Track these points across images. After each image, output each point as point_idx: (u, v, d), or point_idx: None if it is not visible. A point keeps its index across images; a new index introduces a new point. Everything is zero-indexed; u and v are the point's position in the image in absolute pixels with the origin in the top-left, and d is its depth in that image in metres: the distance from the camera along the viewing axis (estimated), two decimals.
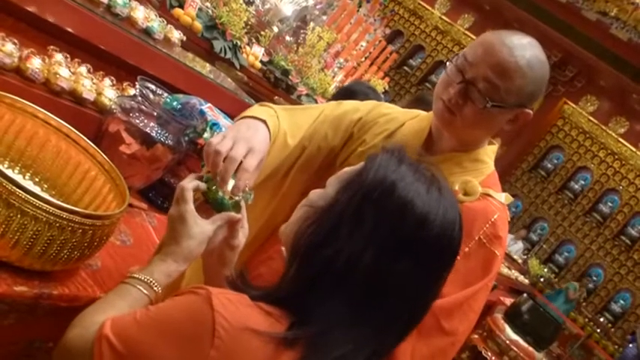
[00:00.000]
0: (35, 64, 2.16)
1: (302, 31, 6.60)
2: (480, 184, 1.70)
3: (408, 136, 1.85)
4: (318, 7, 7.66)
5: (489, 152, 1.81)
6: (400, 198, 1.18)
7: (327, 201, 1.25)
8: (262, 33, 5.42)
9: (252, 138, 1.57)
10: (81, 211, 1.46)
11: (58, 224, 1.41)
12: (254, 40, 5.28)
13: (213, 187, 1.48)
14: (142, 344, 1.15)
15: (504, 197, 1.73)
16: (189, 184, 1.45)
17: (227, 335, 1.09)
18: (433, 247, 1.21)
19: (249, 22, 5.05)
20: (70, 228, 1.44)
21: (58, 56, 2.28)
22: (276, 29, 5.78)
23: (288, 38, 6.00)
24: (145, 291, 1.35)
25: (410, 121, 1.92)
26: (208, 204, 1.49)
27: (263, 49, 5.26)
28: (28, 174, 1.78)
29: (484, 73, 1.63)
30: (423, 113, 1.94)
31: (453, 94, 1.67)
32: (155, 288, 1.36)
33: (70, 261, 1.52)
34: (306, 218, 1.26)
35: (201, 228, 1.42)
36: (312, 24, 6.66)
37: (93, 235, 1.51)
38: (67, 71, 2.22)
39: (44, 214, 1.39)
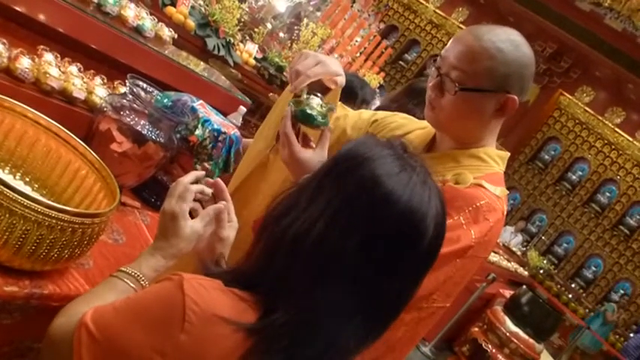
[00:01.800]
0: (25, 63, 2.14)
1: (296, 27, 6.60)
2: (476, 178, 1.68)
3: (414, 141, 1.85)
4: (312, 3, 7.66)
5: (491, 153, 1.77)
6: (365, 173, 1.15)
7: (305, 179, 1.25)
8: (256, 30, 5.42)
9: (327, 59, 1.74)
10: (70, 210, 1.45)
11: (47, 223, 1.40)
12: (248, 37, 5.27)
13: (300, 105, 1.61)
14: (116, 329, 1.15)
15: (499, 191, 1.69)
16: (192, 184, 1.46)
17: (197, 319, 1.09)
18: (390, 229, 1.14)
19: (243, 20, 5.05)
20: (59, 227, 1.42)
21: (48, 56, 2.26)
22: (269, 26, 5.77)
23: (281, 35, 5.99)
24: (131, 284, 1.36)
25: (419, 130, 1.95)
26: (299, 121, 1.62)
27: (257, 46, 5.25)
28: (19, 174, 1.77)
29: (453, 63, 1.66)
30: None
31: (430, 90, 1.72)
32: (142, 282, 1.37)
33: (61, 260, 1.51)
34: (282, 196, 1.26)
35: (191, 227, 1.43)
36: (305, 20, 6.64)
37: (83, 234, 1.49)
38: (56, 70, 2.21)
39: (33, 213, 1.38)
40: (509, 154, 1.83)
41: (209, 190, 1.50)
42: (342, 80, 1.80)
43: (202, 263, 1.51)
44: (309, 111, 1.60)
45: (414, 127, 1.97)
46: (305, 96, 1.63)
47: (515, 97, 1.67)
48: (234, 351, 1.08)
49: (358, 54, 8.36)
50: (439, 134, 1.84)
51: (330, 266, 1.14)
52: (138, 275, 1.36)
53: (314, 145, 1.66)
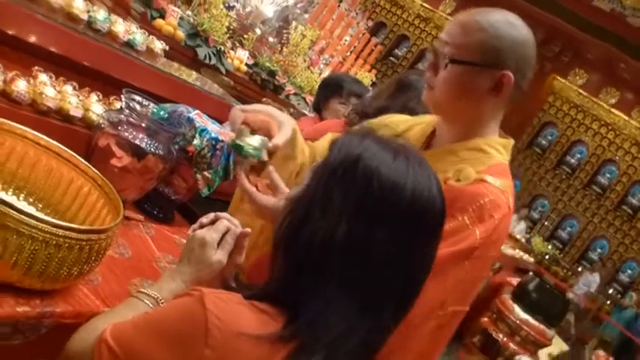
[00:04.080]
0: (20, 86, 2.17)
1: (285, 31, 6.61)
2: (479, 172, 1.65)
3: (412, 137, 1.85)
4: (299, 5, 7.69)
5: (493, 143, 1.72)
6: (365, 168, 1.18)
7: (300, 190, 1.27)
8: (245, 36, 5.43)
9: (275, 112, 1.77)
10: (76, 227, 1.47)
11: (54, 242, 1.42)
12: (237, 44, 5.29)
13: (237, 141, 1.65)
14: (138, 345, 1.16)
15: (502, 184, 1.64)
16: (226, 220, 1.50)
17: (220, 334, 1.10)
18: (406, 213, 1.19)
19: (231, 27, 5.06)
20: (66, 245, 1.44)
21: (43, 76, 2.28)
22: (259, 31, 5.79)
23: (271, 39, 6.01)
24: (151, 306, 1.38)
25: (419, 125, 1.92)
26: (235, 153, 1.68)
27: (247, 52, 5.27)
28: (22, 195, 1.78)
29: (445, 39, 1.66)
30: (430, 117, 1.92)
31: (427, 70, 1.71)
32: (161, 305, 1.38)
33: (70, 278, 1.52)
34: (284, 212, 1.27)
35: (218, 258, 1.46)
36: (294, 23, 6.66)
37: (90, 250, 1.51)
38: (52, 90, 2.23)
39: (40, 232, 1.39)
40: (512, 141, 1.79)
41: (238, 228, 1.53)
42: (283, 131, 1.73)
43: (219, 281, 1.53)
44: (238, 142, 1.64)
45: (414, 123, 1.94)
46: (238, 129, 1.68)
47: (510, 74, 1.62)
48: None
49: (348, 53, 8.37)
50: (438, 128, 1.81)
51: (365, 261, 1.17)
52: (158, 298, 1.39)
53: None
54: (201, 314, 1.12)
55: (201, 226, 1.51)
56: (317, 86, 6.14)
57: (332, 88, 3.79)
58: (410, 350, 1.50)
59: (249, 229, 1.54)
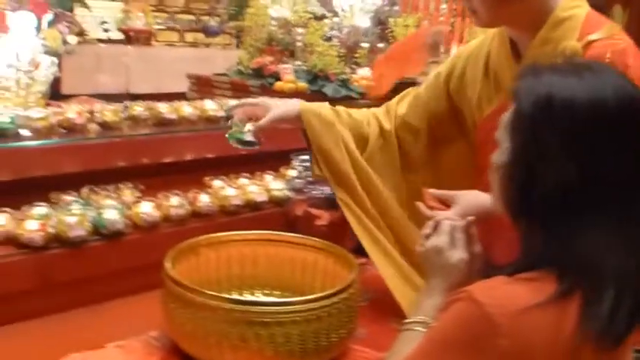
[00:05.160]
0: (203, 199, 2.30)
1: (386, 31, 6.58)
2: (579, 39, 1.62)
3: (495, 60, 1.83)
4: (384, 2, 7.63)
5: (566, 5, 1.68)
6: (561, 101, 1.13)
7: (507, 153, 1.23)
8: (357, 55, 5.45)
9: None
10: (327, 294, 1.54)
11: (314, 316, 1.48)
12: (354, 66, 5.31)
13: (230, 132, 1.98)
14: None
15: (603, 31, 1.61)
16: (446, 220, 1.50)
17: (506, 319, 1.07)
18: (620, 119, 1.13)
19: (341, 54, 5.10)
20: (325, 314, 1.49)
21: (217, 182, 2.43)
22: (365, 45, 5.78)
23: (380, 45, 5.98)
24: (423, 330, 1.38)
25: (488, 47, 1.89)
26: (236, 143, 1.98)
27: (367, 68, 5.27)
28: (266, 290, 1.91)
29: None
30: (488, 32, 1.91)
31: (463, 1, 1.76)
32: (431, 324, 1.38)
33: (342, 340, 1.57)
34: (502, 182, 1.24)
35: (458, 257, 1.45)
36: (390, 20, 6.60)
37: (348, 308, 1.55)
38: (232, 190, 2.34)
39: (297, 314, 1.46)
40: None
41: (459, 221, 1.52)
42: (270, 114, 1.94)
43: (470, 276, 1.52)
44: (230, 132, 1.99)
45: (482, 47, 1.91)
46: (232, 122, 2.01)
47: None
48: (556, 330, 1.06)
49: (452, 19, 8.19)
50: (513, 38, 1.77)
51: (605, 187, 1.12)
52: (425, 320, 1.39)
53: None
54: (478, 310, 1.10)
55: (427, 238, 1.51)
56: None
57: None
58: None
59: (471, 217, 1.53)
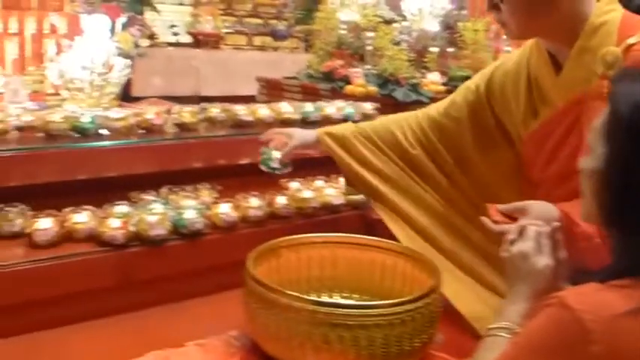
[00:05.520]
0: (280, 201, 2.32)
1: (455, 35, 6.53)
2: (619, 44, 1.57)
3: (537, 74, 1.79)
4: (453, 6, 7.57)
5: (599, 10, 1.64)
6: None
7: (600, 159, 1.19)
8: (426, 59, 5.42)
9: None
10: (410, 298, 1.52)
11: (398, 320, 1.46)
12: (424, 71, 5.28)
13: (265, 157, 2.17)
14: None
15: None
16: (532, 225, 1.47)
17: (599, 326, 1.04)
18: None
19: (410, 58, 5.08)
20: (409, 318, 1.48)
21: (294, 184, 2.45)
22: (434, 49, 5.75)
23: (449, 50, 5.93)
24: (507, 336, 1.36)
25: (527, 61, 1.84)
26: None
27: (436, 72, 5.24)
28: (344, 293, 1.90)
29: None
30: (526, 45, 1.88)
31: (491, 14, 1.73)
32: (515, 330, 1.36)
33: (425, 345, 1.56)
34: (595, 188, 1.21)
35: (544, 263, 1.42)
36: (459, 24, 6.55)
37: (430, 312, 1.54)
38: (309, 192, 2.36)
39: (381, 318, 1.45)
40: None
41: (545, 226, 1.49)
42: (290, 142, 2.15)
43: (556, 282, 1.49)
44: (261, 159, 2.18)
45: (521, 61, 1.87)
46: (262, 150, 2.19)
47: None
48: None
49: None
50: (550, 50, 1.73)
51: None
52: (509, 325, 1.37)
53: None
54: (571, 317, 1.07)
55: (511, 243, 1.48)
56: None
57: None
58: None
59: (557, 223, 1.49)
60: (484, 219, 1.64)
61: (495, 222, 1.62)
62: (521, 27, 1.67)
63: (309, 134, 2.19)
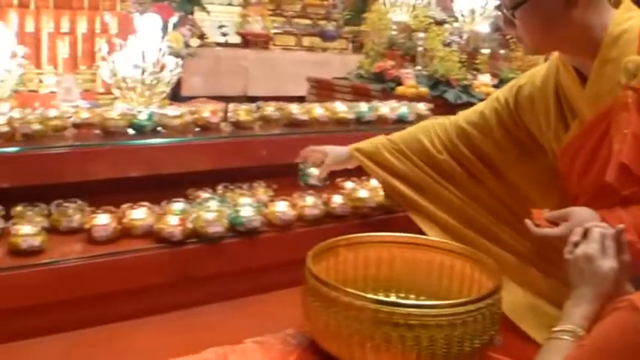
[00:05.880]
0: (337, 201, 2.33)
1: (506, 37, 6.47)
2: (637, 52, 1.54)
3: (565, 88, 1.76)
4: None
5: (617, 19, 1.60)
6: None
7: None
8: (477, 61, 5.38)
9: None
10: (472, 299, 1.51)
11: (460, 321, 1.45)
12: (475, 72, 5.24)
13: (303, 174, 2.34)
14: None
15: None
16: (596, 227, 1.46)
17: None
18: None
19: (462, 60, 5.05)
20: (471, 319, 1.46)
21: (349, 184, 2.47)
22: (485, 51, 5.70)
23: (502, 52, 5.87)
24: (571, 339, 1.33)
25: (554, 76, 1.81)
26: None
27: (487, 74, 5.20)
28: (401, 293, 1.90)
29: None
30: (552, 60, 1.84)
31: (506, 29, 1.73)
32: (579, 333, 1.33)
33: (485, 346, 1.54)
34: None
35: (609, 265, 1.40)
36: None
37: (491, 314, 1.53)
38: (364, 192, 2.37)
39: (443, 318, 1.43)
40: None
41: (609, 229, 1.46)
42: (326, 162, 2.26)
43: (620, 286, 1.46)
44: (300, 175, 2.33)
45: (549, 80, 1.83)
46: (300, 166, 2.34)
47: None
48: None
49: None
50: (573, 65, 1.71)
51: None
52: (573, 328, 1.34)
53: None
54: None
55: (575, 245, 1.46)
56: None
57: None
58: None
59: (622, 225, 1.46)
60: (528, 222, 1.64)
61: (537, 226, 1.62)
62: (536, 42, 1.67)
63: (342, 151, 2.25)
